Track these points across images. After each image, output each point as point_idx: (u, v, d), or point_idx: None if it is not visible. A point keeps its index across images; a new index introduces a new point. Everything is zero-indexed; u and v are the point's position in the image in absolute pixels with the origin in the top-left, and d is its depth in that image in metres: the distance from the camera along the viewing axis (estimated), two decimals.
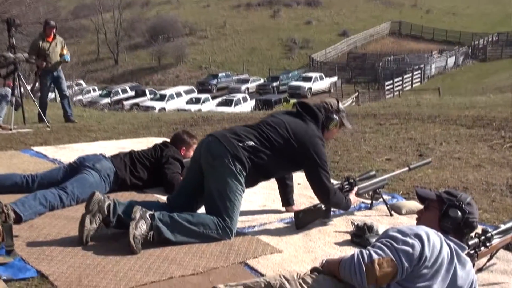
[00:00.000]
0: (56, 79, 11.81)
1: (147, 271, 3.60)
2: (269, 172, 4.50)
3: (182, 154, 5.95)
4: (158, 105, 40.42)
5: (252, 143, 4.32)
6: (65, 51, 11.87)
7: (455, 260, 2.80)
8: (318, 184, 4.46)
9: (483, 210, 5.20)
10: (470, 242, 3.21)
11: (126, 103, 43.10)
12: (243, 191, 4.33)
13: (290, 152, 4.38)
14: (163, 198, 4.95)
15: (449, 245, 2.82)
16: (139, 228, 3.92)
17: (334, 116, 4.67)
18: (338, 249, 4.18)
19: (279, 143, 4.37)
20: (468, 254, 3.10)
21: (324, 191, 4.48)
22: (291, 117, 4.56)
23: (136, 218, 3.94)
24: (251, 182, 4.44)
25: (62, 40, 12.06)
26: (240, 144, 4.29)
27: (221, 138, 4.33)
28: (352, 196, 4.82)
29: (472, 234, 3.24)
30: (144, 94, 46.13)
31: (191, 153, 6.01)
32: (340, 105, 4.80)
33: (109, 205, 4.16)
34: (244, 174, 4.27)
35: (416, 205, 5.17)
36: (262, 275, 3.61)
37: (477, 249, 3.27)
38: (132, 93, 46.66)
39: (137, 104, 42.20)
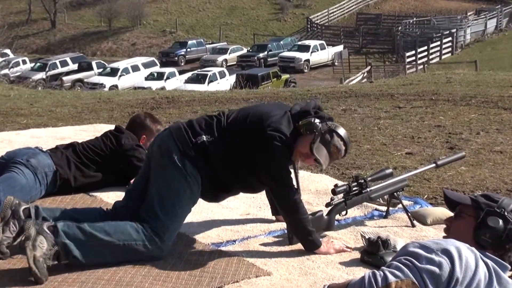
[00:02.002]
0: None
1: None
2: (227, 181, 4.43)
3: (142, 143, 5.92)
4: (108, 81, 40.14)
5: (204, 137, 4.30)
6: None
7: (495, 283, 2.80)
8: (274, 189, 4.39)
9: None
10: None
11: (66, 79, 42.69)
12: (194, 200, 4.33)
13: (246, 148, 4.31)
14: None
15: (486, 264, 2.82)
16: (39, 247, 3.83)
17: (314, 120, 4.35)
18: (344, 271, 4.20)
19: (237, 135, 4.33)
20: None
21: (282, 198, 4.37)
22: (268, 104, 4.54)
23: (32, 235, 3.86)
24: (210, 195, 4.49)
25: None
26: (194, 140, 4.29)
27: (174, 131, 4.37)
28: (325, 243, 4.53)
29: None
30: (90, 67, 45.77)
31: None
32: (341, 130, 4.42)
33: (26, 209, 4.18)
34: (198, 179, 4.26)
35: (445, 212, 5.19)
36: None
37: None
38: (75, 66, 46.30)
39: (80, 81, 41.86)
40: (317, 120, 4.35)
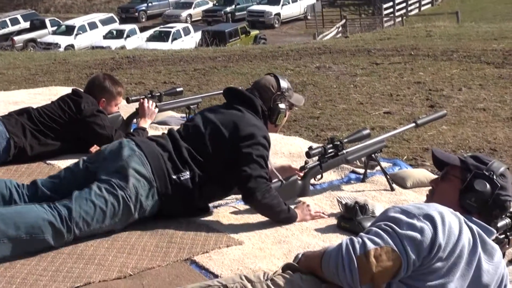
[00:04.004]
0: None
1: (54, 275, 3.61)
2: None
3: (101, 107, 5.87)
4: (63, 41, 39.77)
5: (188, 174, 4.31)
6: None
7: (479, 249, 2.83)
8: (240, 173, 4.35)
9: None
10: (500, 224, 3.23)
11: (17, 38, 42.34)
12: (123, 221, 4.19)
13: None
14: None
15: (471, 229, 2.84)
16: None
17: (280, 105, 4.62)
18: (320, 238, 4.23)
19: (216, 162, 4.37)
20: (497, 240, 3.14)
21: (248, 183, 4.33)
22: (222, 114, 4.51)
23: None
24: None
25: None
26: (174, 177, 4.27)
27: (151, 159, 4.26)
28: (298, 211, 4.55)
29: None
30: (43, 25, 45.33)
31: (113, 108, 5.98)
32: (281, 81, 4.71)
33: None
34: (136, 209, 4.17)
35: (426, 174, 5.24)
36: (216, 276, 3.65)
37: (508, 233, 3.32)
38: (26, 24, 45.84)
39: (33, 41, 41.50)
40: (281, 106, 4.64)
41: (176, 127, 6.74)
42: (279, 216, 4.37)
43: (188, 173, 4.30)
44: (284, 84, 4.68)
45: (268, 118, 4.61)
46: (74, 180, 4.26)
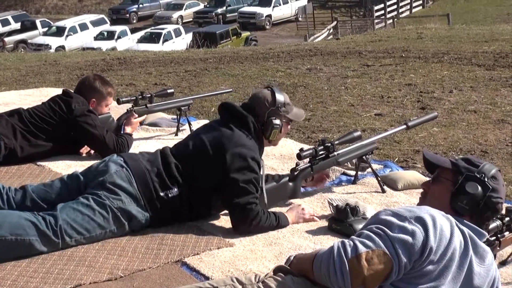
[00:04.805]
0: None
1: (45, 276, 3.60)
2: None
3: (92, 108, 5.86)
4: (54, 42, 39.68)
5: (176, 190, 4.30)
6: None
7: (471, 252, 2.83)
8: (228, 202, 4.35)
9: (507, 181, 5.30)
10: (491, 226, 3.23)
11: (8, 39, 42.24)
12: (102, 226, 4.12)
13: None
14: (63, 173, 4.89)
15: (462, 231, 2.84)
16: None
17: (275, 121, 4.52)
18: (311, 240, 4.23)
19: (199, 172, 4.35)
20: (488, 242, 3.14)
21: (235, 212, 4.34)
22: (213, 130, 4.48)
23: None
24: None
25: None
26: (161, 194, 4.27)
27: (137, 176, 4.26)
28: (291, 214, 4.57)
29: None
30: (34, 26, 45.25)
31: (104, 109, 5.98)
32: (277, 95, 4.59)
33: None
34: (126, 224, 4.16)
35: (417, 176, 5.24)
36: (207, 278, 3.64)
37: (499, 235, 3.32)
38: (17, 25, 45.76)
39: (24, 42, 41.40)
40: (275, 121, 4.52)
41: (167, 128, 6.80)
42: (268, 231, 4.34)
43: (176, 189, 4.28)
44: (280, 98, 4.57)
45: (262, 134, 4.54)
46: (67, 192, 4.24)
